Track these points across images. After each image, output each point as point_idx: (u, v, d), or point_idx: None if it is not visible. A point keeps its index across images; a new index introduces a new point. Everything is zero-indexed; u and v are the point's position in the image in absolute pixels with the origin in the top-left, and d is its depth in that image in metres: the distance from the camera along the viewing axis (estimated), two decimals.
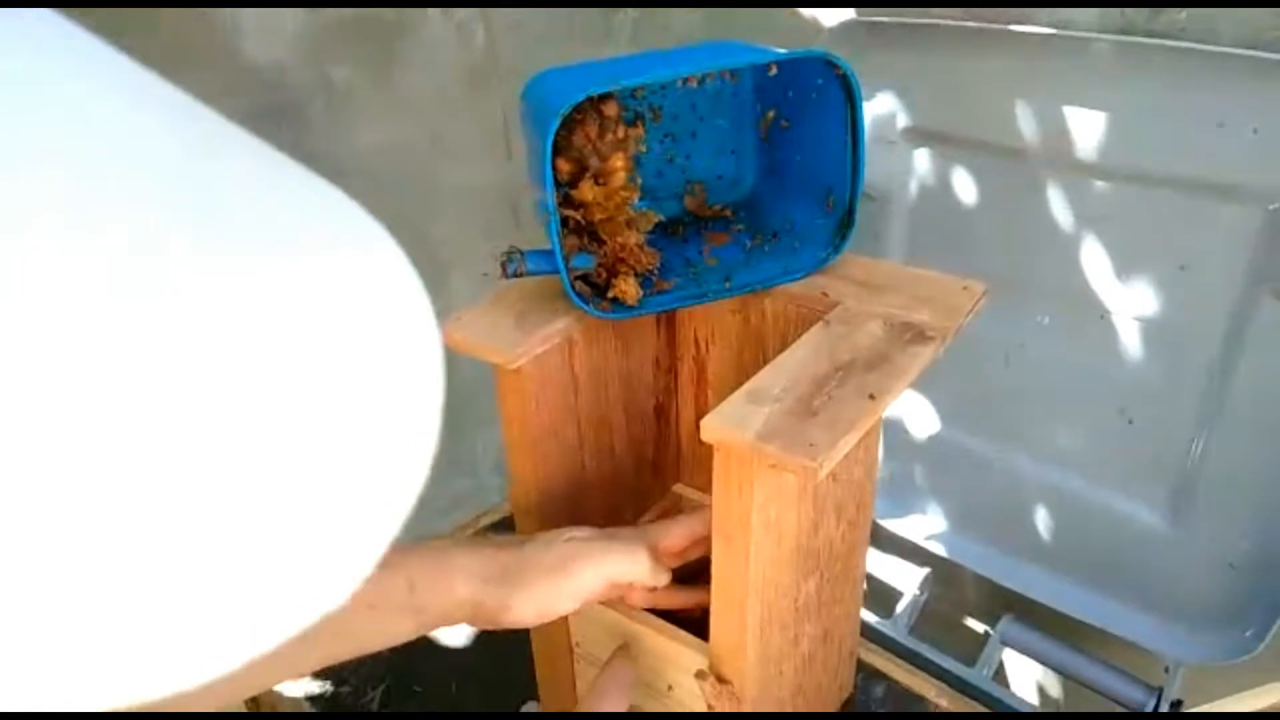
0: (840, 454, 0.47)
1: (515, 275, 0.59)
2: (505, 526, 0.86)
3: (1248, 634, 0.78)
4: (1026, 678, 1.08)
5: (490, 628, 0.56)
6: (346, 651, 0.53)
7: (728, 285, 0.64)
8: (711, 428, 0.49)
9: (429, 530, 1.21)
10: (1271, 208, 0.69)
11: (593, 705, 0.58)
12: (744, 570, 0.54)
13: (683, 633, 0.62)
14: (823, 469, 0.46)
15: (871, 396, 0.51)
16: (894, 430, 0.99)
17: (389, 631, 0.53)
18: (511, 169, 1.35)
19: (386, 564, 0.17)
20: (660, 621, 0.64)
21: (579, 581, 0.56)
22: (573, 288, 0.59)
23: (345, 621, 0.52)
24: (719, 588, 0.56)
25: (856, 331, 0.57)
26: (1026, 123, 0.78)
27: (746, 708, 0.60)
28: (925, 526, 0.99)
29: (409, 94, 1.24)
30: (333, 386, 0.16)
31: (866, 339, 0.56)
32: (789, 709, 0.67)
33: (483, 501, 1.06)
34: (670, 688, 0.64)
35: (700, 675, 0.59)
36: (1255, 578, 0.78)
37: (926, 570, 1.00)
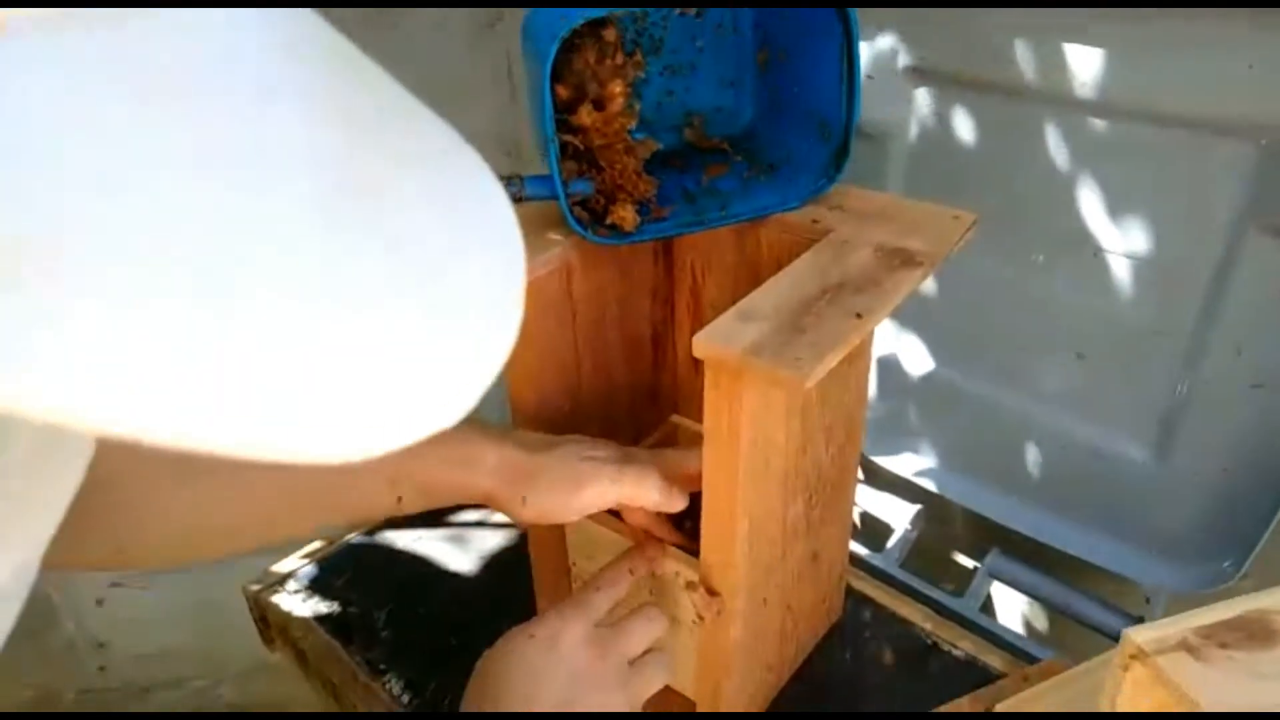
0: (825, 368, 0.49)
1: (515, 200, 0.60)
2: None
3: (1226, 565, 0.80)
4: (1013, 610, 1.11)
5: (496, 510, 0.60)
6: (365, 510, 0.59)
7: (724, 214, 0.65)
8: (702, 343, 0.51)
9: None
10: (1264, 143, 0.70)
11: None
12: (733, 484, 0.56)
13: (675, 549, 0.64)
14: (808, 381, 0.48)
15: (858, 315, 0.52)
16: (888, 369, 1.01)
17: (404, 504, 0.58)
18: (515, 112, 1.35)
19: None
20: (660, 541, 0.66)
21: (585, 500, 0.59)
22: (571, 212, 0.60)
23: (361, 487, 0.56)
24: (709, 502, 0.58)
25: (847, 257, 0.59)
26: (1026, 60, 0.79)
27: (736, 621, 0.62)
28: (917, 463, 1.01)
29: (411, 34, 1.24)
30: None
31: (856, 264, 0.58)
32: (777, 625, 0.70)
33: None
34: (653, 597, 0.66)
35: (690, 587, 0.62)
36: (1234, 511, 0.80)
37: (918, 506, 1.02)
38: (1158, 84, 0.73)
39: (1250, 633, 0.54)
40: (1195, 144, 0.73)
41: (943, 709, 0.70)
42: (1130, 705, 0.56)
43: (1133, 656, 0.54)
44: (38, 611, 1.53)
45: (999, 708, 0.69)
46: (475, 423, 0.58)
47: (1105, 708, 0.57)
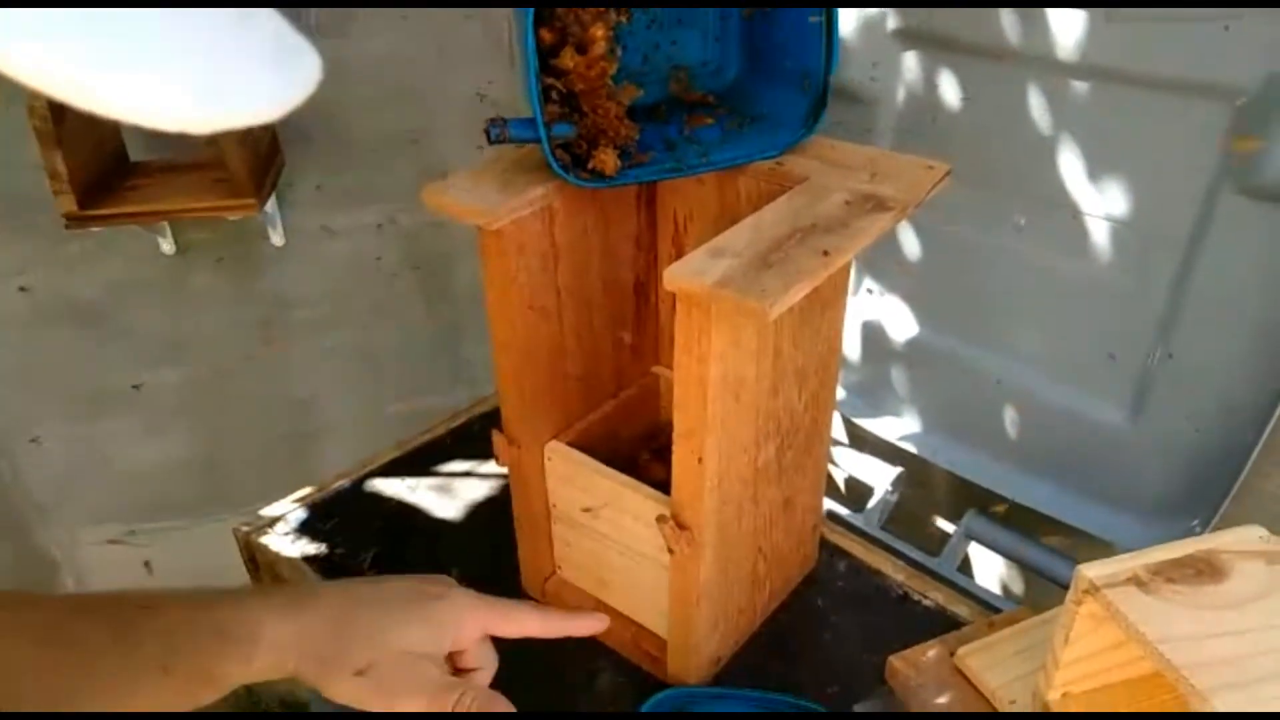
0: (790, 300, 0.50)
1: (498, 141, 0.62)
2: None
3: (1194, 524, 0.82)
4: (991, 572, 1.13)
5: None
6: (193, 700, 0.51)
7: (704, 161, 0.66)
8: (674, 276, 0.52)
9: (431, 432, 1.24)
10: (1239, 103, 0.71)
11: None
12: (702, 417, 0.57)
13: (646, 486, 0.66)
14: (772, 311, 0.49)
15: (825, 253, 0.54)
16: (872, 334, 1.02)
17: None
18: (516, 79, 1.36)
19: None
20: (626, 477, 0.68)
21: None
22: (553, 155, 0.62)
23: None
24: (679, 436, 0.59)
25: (821, 201, 0.60)
26: (1010, 24, 0.80)
27: (706, 555, 0.64)
28: (899, 426, 1.03)
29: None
30: None
31: (829, 207, 0.59)
32: (749, 566, 0.72)
33: None
34: (629, 535, 0.68)
35: (661, 519, 0.63)
36: (1202, 472, 0.82)
37: (900, 469, 1.04)
38: (1136, 47, 0.74)
39: (1198, 569, 0.56)
40: (1172, 106, 0.74)
41: (906, 652, 0.72)
42: (1082, 638, 0.58)
43: (1085, 591, 0.56)
44: (39, 567, 1.55)
45: (961, 651, 0.71)
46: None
47: (1058, 641, 0.59)
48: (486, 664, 0.57)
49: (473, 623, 0.55)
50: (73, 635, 0.49)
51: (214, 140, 1.16)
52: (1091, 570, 0.57)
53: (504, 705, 0.53)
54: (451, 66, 1.34)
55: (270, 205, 1.33)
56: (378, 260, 1.46)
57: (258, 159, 1.23)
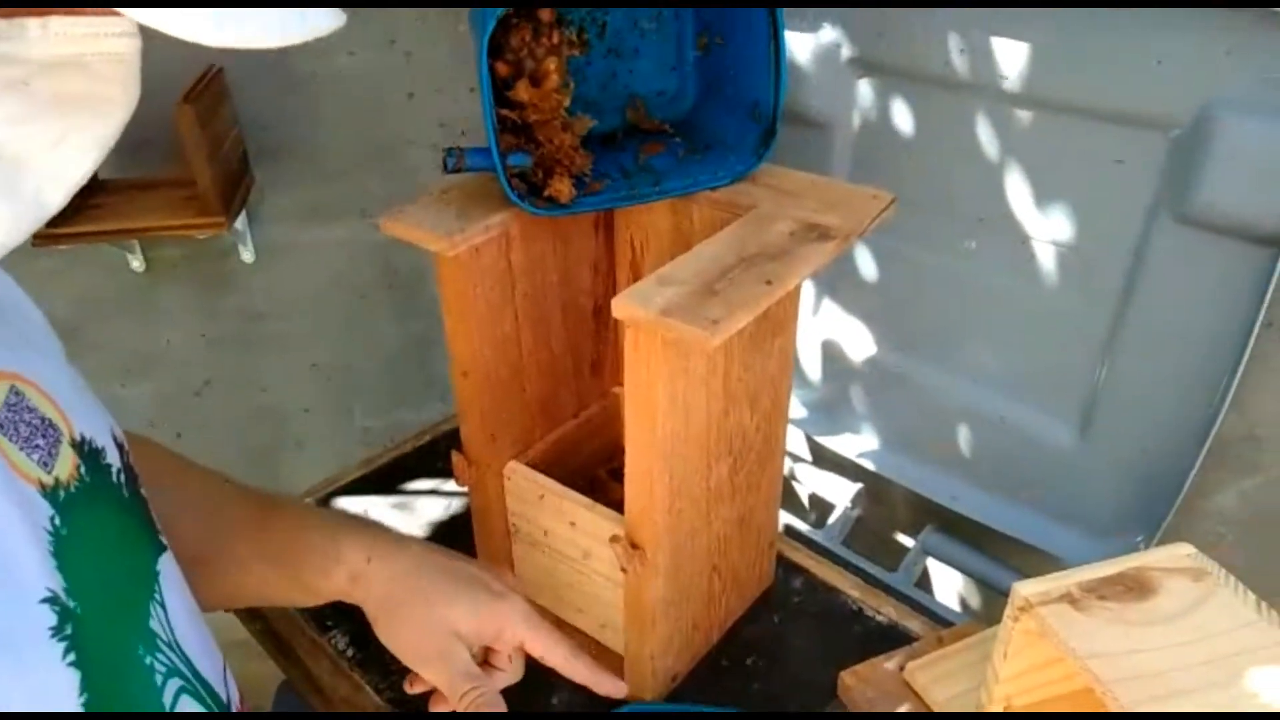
0: (732, 328, 0.52)
1: (455, 170, 0.63)
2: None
3: (1139, 539, 0.84)
4: (950, 587, 1.15)
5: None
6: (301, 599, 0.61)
7: (656, 189, 0.68)
8: (621, 304, 0.54)
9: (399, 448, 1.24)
10: (1173, 134, 0.74)
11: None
12: (652, 441, 0.59)
13: (601, 505, 0.67)
14: (715, 339, 0.51)
15: (768, 282, 0.56)
16: (832, 353, 1.05)
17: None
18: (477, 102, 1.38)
19: None
20: (583, 498, 0.69)
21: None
22: (509, 184, 0.63)
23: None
24: (631, 459, 0.61)
25: (767, 230, 0.62)
26: (957, 54, 0.82)
27: (660, 577, 0.66)
28: (859, 444, 1.05)
29: (389, 15, 1.27)
30: None
31: (775, 236, 0.61)
32: (704, 585, 0.74)
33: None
34: (586, 555, 0.69)
35: (614, 539, 0.65)
36: (1148, 489, 0.84)
37: (860, 486, 1.06)
38: (1076, 79, 0.77)
39: (1128, 586, 0.58)
40: (1111, 136, 0.77)
41: (858, 667, 0.74)
42: (1020, 653, 0.60)
43: (1021, 609, 0.58)
44: None
45: (911, 665, 0.73)
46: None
47: (998, 657, 0.61)
48: (512, 671, 0.61)
49: (514, 633, 0.59)
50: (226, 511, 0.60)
51: (183, 157, 1.17)
52: (1026, 588, 0.59)
53: (501, 709, 0.57)
54: (420, 83, 1.35)
55: (240, 222, 1.34)
56: (348, 275, 1.47)
57: (227, 177, 1.23)
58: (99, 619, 0.37)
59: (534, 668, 0.61)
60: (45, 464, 0.38)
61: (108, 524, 0.41)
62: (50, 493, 0.38)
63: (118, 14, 0.31)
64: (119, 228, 1.21)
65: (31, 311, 0.47)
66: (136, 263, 1.38)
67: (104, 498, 0.42)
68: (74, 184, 0.34)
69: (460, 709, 0.56)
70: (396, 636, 0.58)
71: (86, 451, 0.41)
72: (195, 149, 1.15)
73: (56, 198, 0.34)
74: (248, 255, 1.41)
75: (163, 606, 0.42)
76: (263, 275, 1.43)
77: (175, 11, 0.27)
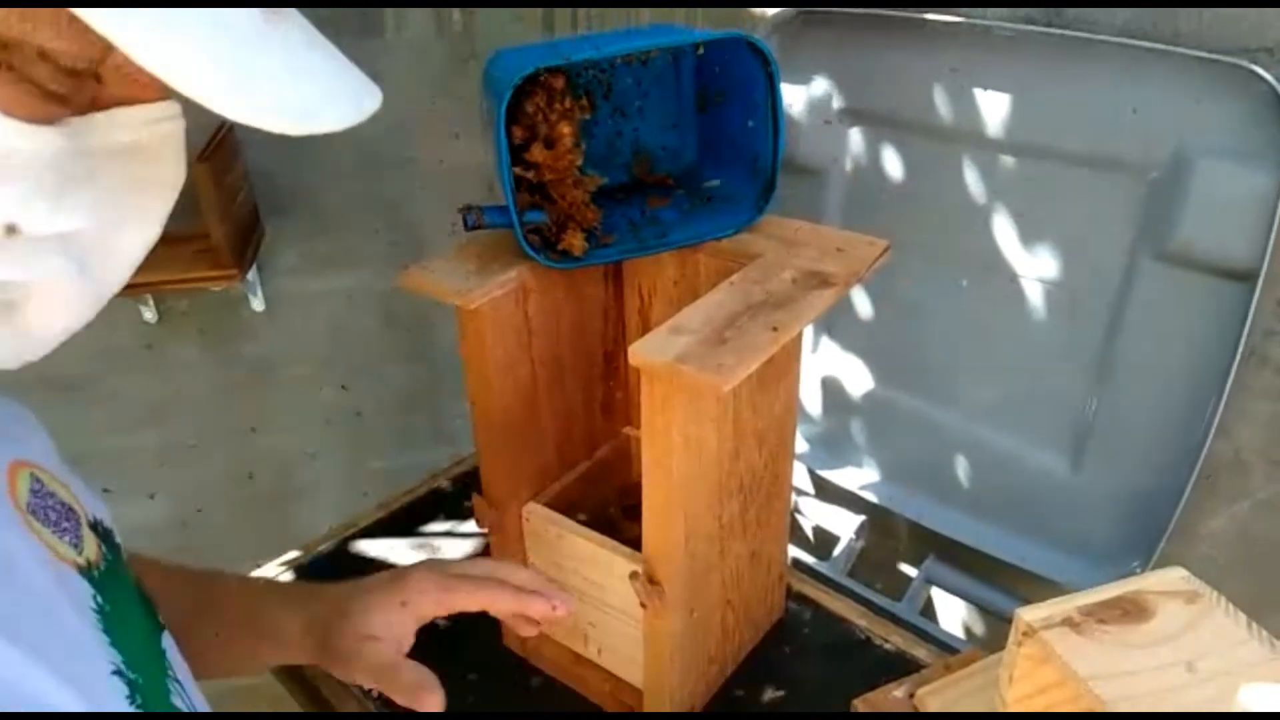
0: (743, 373, 0.55)
1: (474, 227, 0.67)
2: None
3: (1134, 564, 0.87)
4: (954, 615, 1.17)
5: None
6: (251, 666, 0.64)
7: (664, 241, 0.72)
8: (637, 353, 0.57)
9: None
10: (1151, 177, 0.78)
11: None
12: (669, 481, 0.62)
13: (620, 544, 0.70)
14: (727, 384, 0.54)
15: (774, 329, 0.59)
16: (832, 389, 1.08)
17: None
18: (486, 148, 1.42)
19: None
20: (601, 536, 0.72)
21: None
22: (525, 239, 0.67)
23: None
24: (648, 498, 0.64)
25: (771, 278, 0.66)
26: (942, 103, 0.87)
27: (678, 611, 0.69)
28: (860, 476, 1.08)
29: (390, 75, 1.31)
30: None
31: (778, 284, 0.65)
32: (719, 619, 0.76)
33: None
34: (605, 592, 0.72)
35: (633, 576, 0.68)
36: (1141, 516, 0.87)
37: (863, 518, 1.09)
38: (1056, 126, 0.81)
39: (1125, 610, 0.61)
40: (1092, 180, 0.81)
41: (869, 695, 0.76)
42: (1025, 678, 0.63)
43: (1024, 633, 0.61)
44: None
45: (920, 692, 0.75)
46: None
47: (1004, 681, 0.64)
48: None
49: (433, 604, 0.62)
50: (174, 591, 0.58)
51: (197, 213, 1.21)
52: (1028, 614, 0.61)
53: (431, 692, 0.58)
54: (426, 136, 1.40)
55: (251, 273, 1.37)
56: (356, 323, 1.51)
57: (239, 231, 1.27)
58: (152, 691, 0.39)
59: (538, 712, 0.64)
60: (76, 546, 0.40)
61: (130, 603, 0.42)
62: (87, 573, 0.39)
63: (171, 100, 0.35)
64: (135, 281, 1.23)
65: (14, 404, 0.48)
66: (149, 314, 1.41)
67: (122, 578, 0.43)
68: (136, 261, 0.38)
69: (394, 698, 0.58)
70: (346, 670, 0.60)
71: (101, 532, 0.43)
72: (210, 206, 1.19)
73: (121, 275, 0.37)
74: (258, 305, 1.44)
75: (177, 681, 0.44)
76: (273, 324, 1.47)
77: (268, 113, 0.30)
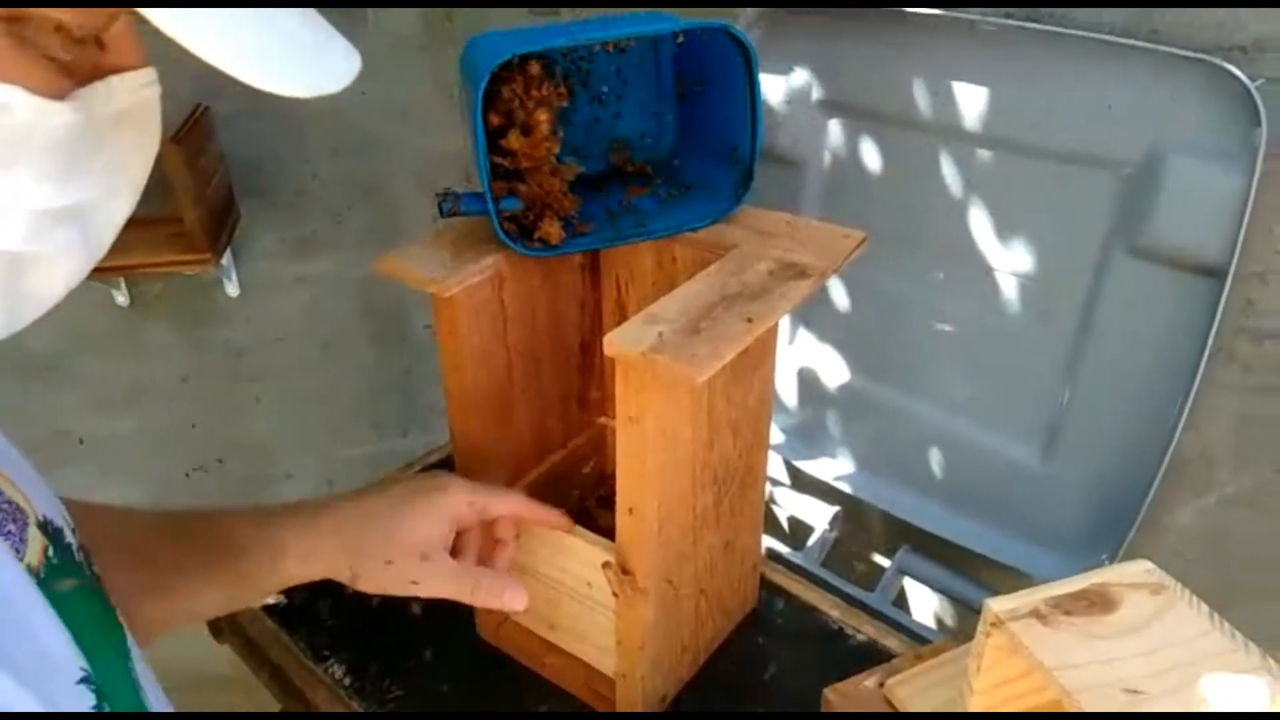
0: (717, 365, 0.55)
1: (450, 214, 0.67)
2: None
3: (1103, 556, 0.88)
4: (927, 606, 1.18)
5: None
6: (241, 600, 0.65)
7: (641, 230, 0.72)
8: (613, 343, 0.57)
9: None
10: (1125, 173, 0.79)
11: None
12: (643, 470, 0.62)
13: (593, 534, 0.70)
14: (701, 376, 0.54)
15: (749, 320, 0.59)
16: (808, 380, 1.08)
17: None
18: (463, 129, 1.41)
19: None
20: (580, 528, 0.72)
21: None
22: (501, 227, 0.66)
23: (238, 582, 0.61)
24: (622, 487, 0.64)
25: (747, 269, 0.66)
26: (921, 96, 0.87)
27: (650, 601, 0.69)
28: (835, 467, 1.08)
29: (370, 60, 1.30)
30: None
31: (754, 275, 0.65)
32: (692, 609, 0.76)
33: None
34: (579, 582, 0.72)
35: (606, 565, 0.68)
36: (1110, 508, 0.88)
37: (837, 508, 1.10)
38: (1032, 122, 0.81)
39: (1091, 601, 0.62)
40: (1067, 174, 0.81)
41: (839, 685, 0.77)
42: (993, 668, 0.64)
43: (992, 624, 0.62)
44: None
45: (890, 682, 0.76)
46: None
47: (972, 671, 0.65)
48: (509, 537, 0.69)
49: (467, 508, 0.65)
50: (146, 539, 0.59)
51: (170, 195, 1.19)
52: (997, 605, 0.62)
53: (516, 590, 0.64)
54: (404, 120, 1.38)
55: (225, 257, 1.36)
56: (331, 309, 1.49)
57: (214, 214, 1.26)
58: (118, 696, 0.38)
59: (507, 700, 0.64)
60: (18, 550, 0.37)
61: (79, 605, 0.40)
62: (33, 575, 0.37)
63: (150, 67, 0.36)
64: (107, 264, 1.22)
65: None
66: (121, 298, 1.39)
67: (73, 579, 0.41)
68: (121, 224, 0.38)
69: (477, 603, 0.64)
70: (387, 579, 0.62)
71: (50, 532, 0.41)
72: (183, 188, 1.17)
73: (110, 239, 0.38)
74: (232, 289, 1.43)
75: (140, 688, 0.42)
76: (247, 309, 1.45)
77: (268, 72, 0.31)
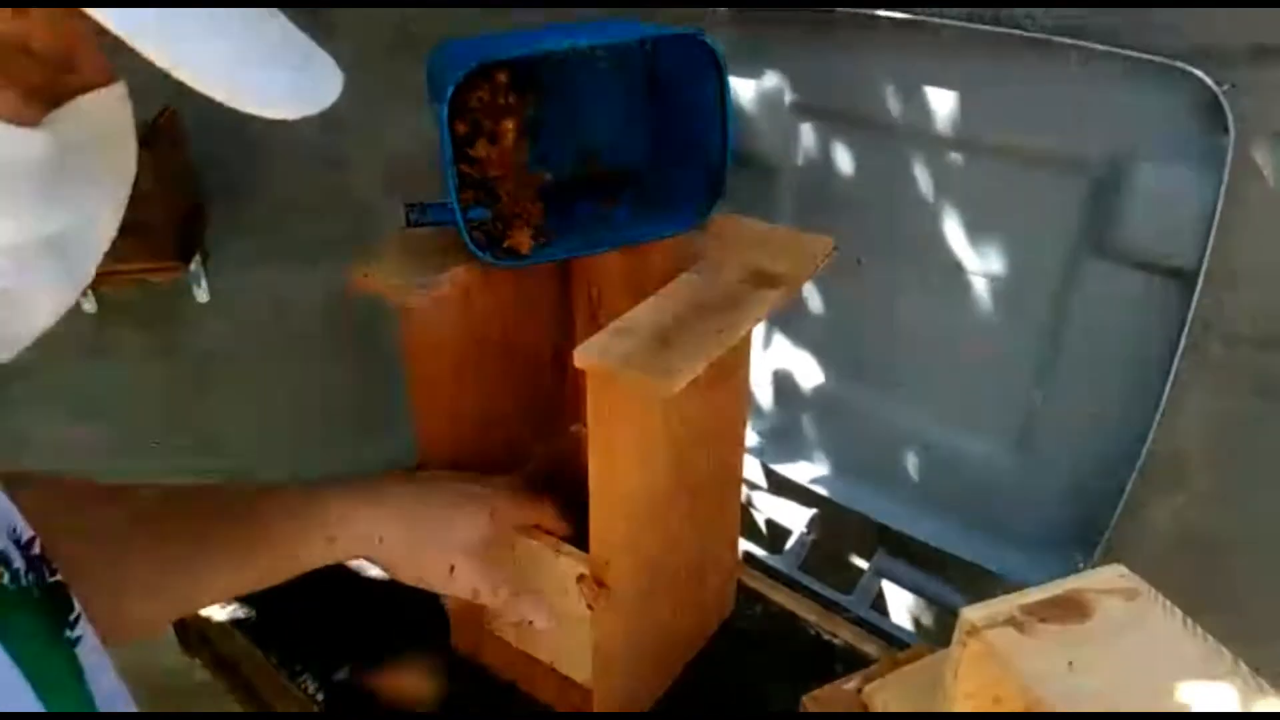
0: (687, 376, 0.55)
1: (418, 224, 0.66)
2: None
3: (1078, 560, 0.89)
4: (905, 608, 1.18)
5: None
6: (282, 574, 0.64)
7: (612, 239, 0.71)
8: (582, 355, 0.57)
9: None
10: (1093, 176, 0.79)
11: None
12: (614, 483, 0.62)
13: (567, 545, 0.69)
14: (671, 387, 0.54)
15: (720, 331, 0.59)
16: (784, 383, 1.08)
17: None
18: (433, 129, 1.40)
19: None
20: (548, 537, 0.71)
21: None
22: (470, 236, 0.66)
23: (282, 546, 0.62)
24: (595, 499, 0.63)
25: (718, 279, 0.65)
26: (892, 99, 0.87)
27: (625, 612, 0.68)
28: (811, 470, 1.08)
29: (339, 65, 1.28)
30: None
31: (725, 285, 0.64)
32: (668, 618, 0.76)
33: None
34: (554, 593, 0.71)
35: (580, 579, 0.67)
36: (1085, 510, 0.89)
37: (814, 511, 1.10)
38: (1002, 125, 0.81)
39: (1066, 608, 0.62)
40: (1036, 177, 0.82)
41: (817, 691, 0.77)
42: (969, 675, 0.63)
43: (968, 632, 0.62)
44: None
45: (868, 688, 0.76)
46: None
47: (949, 678, 0.65)
48: (556, 526, 0.71)
49: (506, 521, 0.69)
50: (176, 515, 0.59)
51: (138, 202, 1.17)
52: (973, 613, 0.62)
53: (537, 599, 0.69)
54: (372, 125, 1.37)
55: (194, 262, 1.34)
56: (302, 315, 1.48)
57: (182, 220, 1.24)
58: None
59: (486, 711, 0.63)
60: None
61: (15, 631, 0.36)
62: None
63: (119, 82, 0.35)
64: None
65: None
66: (88, 304, 1.37)
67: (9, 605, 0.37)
68: (105, 248, 0.37)
69: (498, 605, 0.68)
70: (416, 570, 0.65)
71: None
72: (151, 195, 1.15)
73: (97, 261, 0.37)
74: (202, 296, 1.41)
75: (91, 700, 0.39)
76: (217, 316, 1.43)
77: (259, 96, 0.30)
